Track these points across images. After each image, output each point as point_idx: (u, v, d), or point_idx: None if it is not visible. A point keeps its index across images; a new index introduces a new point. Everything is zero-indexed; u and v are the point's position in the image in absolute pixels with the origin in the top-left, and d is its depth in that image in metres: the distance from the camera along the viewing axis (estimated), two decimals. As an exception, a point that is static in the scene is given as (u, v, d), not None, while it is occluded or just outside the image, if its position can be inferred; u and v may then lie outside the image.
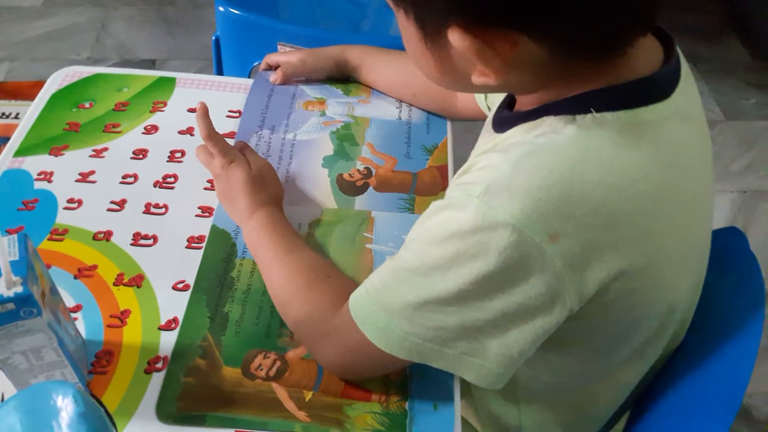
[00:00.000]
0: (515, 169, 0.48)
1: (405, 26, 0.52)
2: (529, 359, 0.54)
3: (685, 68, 0.55)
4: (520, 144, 0.51)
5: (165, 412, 0.60)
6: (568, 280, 0.48)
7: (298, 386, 0.63)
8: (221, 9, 1.25)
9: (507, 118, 0.57)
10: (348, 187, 0.81)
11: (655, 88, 0.51)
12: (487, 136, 0.60)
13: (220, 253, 0.73)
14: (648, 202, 0.50)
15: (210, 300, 0.68)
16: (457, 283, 0.50)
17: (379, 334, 0.55)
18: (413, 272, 0.53)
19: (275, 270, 0.68)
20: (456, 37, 0.47)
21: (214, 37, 1.32)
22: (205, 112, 0.76)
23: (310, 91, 0.93)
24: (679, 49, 0.55)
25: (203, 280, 0.70)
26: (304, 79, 0.95)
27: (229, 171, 0.75)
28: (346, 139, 0.86)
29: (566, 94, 0.51)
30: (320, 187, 0.81)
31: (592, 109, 0.49)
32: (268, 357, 0.64)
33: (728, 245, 0.66)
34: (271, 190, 0.76)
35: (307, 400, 0.62)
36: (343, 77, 0.95)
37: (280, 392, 0.62)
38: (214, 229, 0.75)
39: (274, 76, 0.94)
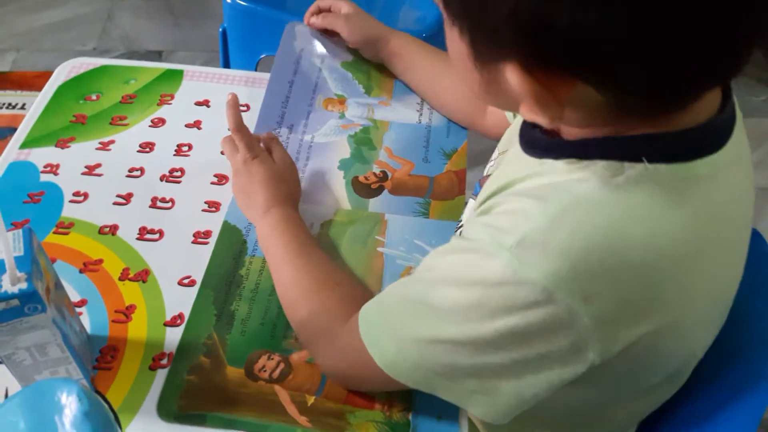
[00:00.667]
0: (554, 226, 0.45)
1: (454, 40, 0.48)
2: None
3: (738, 111, 0.52)
4: (560, 191, 0.47)
5: (166, 409, 0.59)
6: (596, 338, 0.45)
7: (300, 390, 0.62)
8: (228, 0, 1.24)
9: (546, 143, 0.52)
10: (363, 189, 0.80)
11: (712, 137, 0.48)
12: (518, 155, 0.56)
13: (230, 250, 0.72)
14: (690, 262, 0.47)
15: (217, 297, 0.68)
16: (475, 331, 0.48)
17: (387, 360, 0.54)
18: (430, 309, 0.51)
19: (284, 270, 0.67)
20: (512, 75, 0.44)
21: (221, 29, 1.31)
22: (235, 103, 0.76)
23: (332, 85, 0.91)
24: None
25: (212, 277, 0.69)
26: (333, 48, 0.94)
27: (251, 167, 0.74)
28: (363, 143, 0.85)
29: (617, 133, 0.47)
30: (335, 188, 0.80)
31: (644, 159, 0.46)
32: (272, 359, 0.63)
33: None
34: (290, 189, 0.75)
35: (309, 404, 0.61)
36: (371, 58, 0.93)
37: (283, 395, 0.61)
38: (226, 225, 0.74)
39: (315, 19, 0.93)
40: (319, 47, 0.95)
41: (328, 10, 0.94)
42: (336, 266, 0.69)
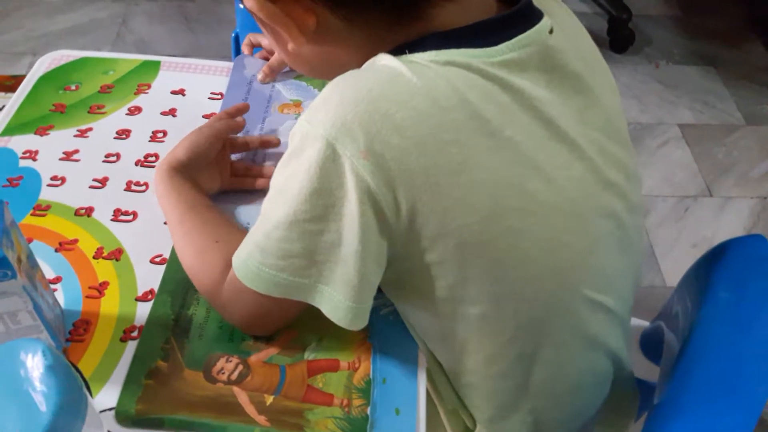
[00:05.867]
0: (333, 87, 0.53)
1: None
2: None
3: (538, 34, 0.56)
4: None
5: (123, 414, 0.60)
6: (383, 198, 0.51)
7: (259, 390, 0.62)
8: (241, 6, 1.23)
9: None
10: None
11: (472, 36, 0.54)
12: None
13: None
14: (461, 134, 0.52)
15: (174, 302, 0.68)
16: (293, 204, 0.53)
17: (251, 276, 0.58)
18: (266, 204, 0.57)
19: (175, 238, 0.70)
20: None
21: (233, 34, 1.30)
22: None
23: (287, 93, 0.93)
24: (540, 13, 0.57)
25: (168, 283, 0.70)
26: (287, 69, 0.95)
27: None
28: None
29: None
30: None
31: (406, 51, 0.54)
32: (231, 361, 0.64)
33: (752, 253, 0.66)
34: (199, 170, 0.75)
35: (267, 404, 0.61)
36: None
37: (241, 396, 0.62)
38: None
39: (261, 75, 0.93)
40: None
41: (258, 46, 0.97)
42: (219, 223, 0.70)
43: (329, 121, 0.50)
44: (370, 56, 0.56)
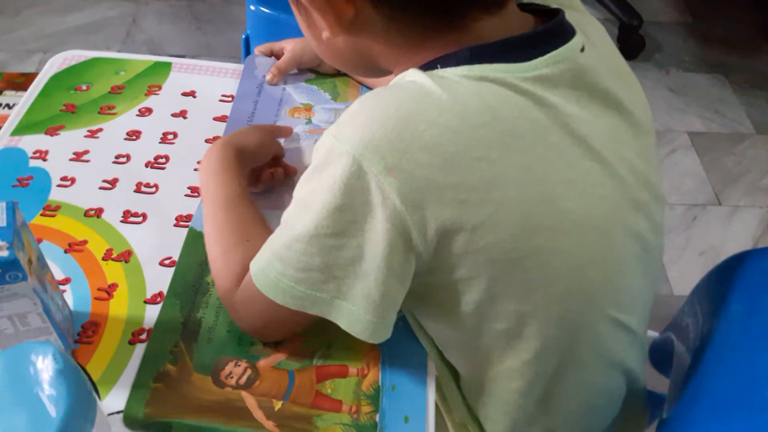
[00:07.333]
0: (361, 104, 0.53)
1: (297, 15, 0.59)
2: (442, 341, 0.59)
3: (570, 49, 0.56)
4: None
5: (131, 418, 0.59)
6: (409, 217, 0.50)
7: (267, 395, 0.62)
8: (252, 8, 1.23)
9: None
10: None
11: (506, 51, 0.53)
12: None
13: (196, 258, 0.72)
14: (491, 150, 0.51)
15: (184, 305, 0.68)
16: (314, 218, 0.53)
17: (269, 284, 0.57)
18: (288, 215, 0.57)
19: (207, 227, 0.70)
20: None
21: (244, 36, 1.30)
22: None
23: (297, 96, 0.92)
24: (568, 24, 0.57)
25: (178, 285, 0.69)
26: (296, 72, 0.96)
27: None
28: None
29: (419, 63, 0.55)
30: None
31: (438, 65, 0.53)
32: (239, 365, 0.63)
33: (766, 266, 0.65)
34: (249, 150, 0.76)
35: (276, 409, 0.61)
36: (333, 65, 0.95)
37: (249, 401, 0.61)
38: (192, 233, 0.74)
39: (269, 76, 0.93)
40: None
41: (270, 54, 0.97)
42: (253, 221, 0.69)
43: (356, 138, 0.50)
44: (402, 59, 0.56)
